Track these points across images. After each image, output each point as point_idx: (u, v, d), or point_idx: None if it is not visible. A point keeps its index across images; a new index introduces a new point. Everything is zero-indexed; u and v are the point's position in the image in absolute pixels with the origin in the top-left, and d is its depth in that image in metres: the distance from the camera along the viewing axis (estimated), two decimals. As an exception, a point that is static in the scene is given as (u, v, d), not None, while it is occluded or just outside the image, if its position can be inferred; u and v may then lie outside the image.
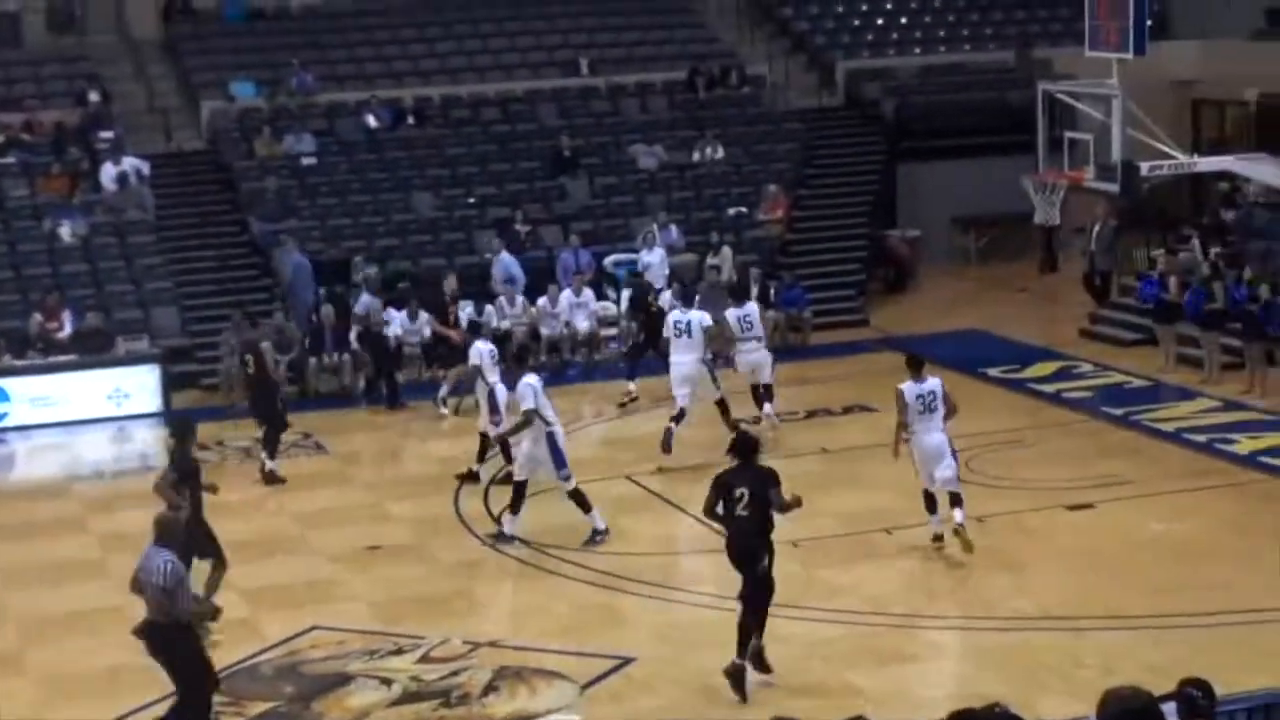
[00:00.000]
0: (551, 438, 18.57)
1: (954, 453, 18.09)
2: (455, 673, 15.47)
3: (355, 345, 26.46)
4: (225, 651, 15.67)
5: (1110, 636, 15.69)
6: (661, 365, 23.15)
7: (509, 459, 20.38)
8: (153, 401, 25.82)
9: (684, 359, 22.21)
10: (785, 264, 30.20)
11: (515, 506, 18.80)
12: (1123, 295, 29.34)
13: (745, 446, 15.19)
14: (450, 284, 27.34)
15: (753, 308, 23.67)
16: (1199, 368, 25.41)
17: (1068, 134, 22.36)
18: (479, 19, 36.76)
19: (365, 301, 26.51)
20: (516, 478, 18.90)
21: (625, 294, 28.39)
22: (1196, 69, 36.10)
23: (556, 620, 16.72)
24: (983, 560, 17.88)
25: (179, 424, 17.91)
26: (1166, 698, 9.04)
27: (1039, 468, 21.07)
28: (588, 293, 28.10)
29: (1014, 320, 29.91)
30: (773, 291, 28.51)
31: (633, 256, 29.24)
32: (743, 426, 19.43)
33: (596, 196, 31.70)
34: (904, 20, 38.75)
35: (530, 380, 18.68)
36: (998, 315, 30.41)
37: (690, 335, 22.10)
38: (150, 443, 24.37)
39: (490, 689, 15.09)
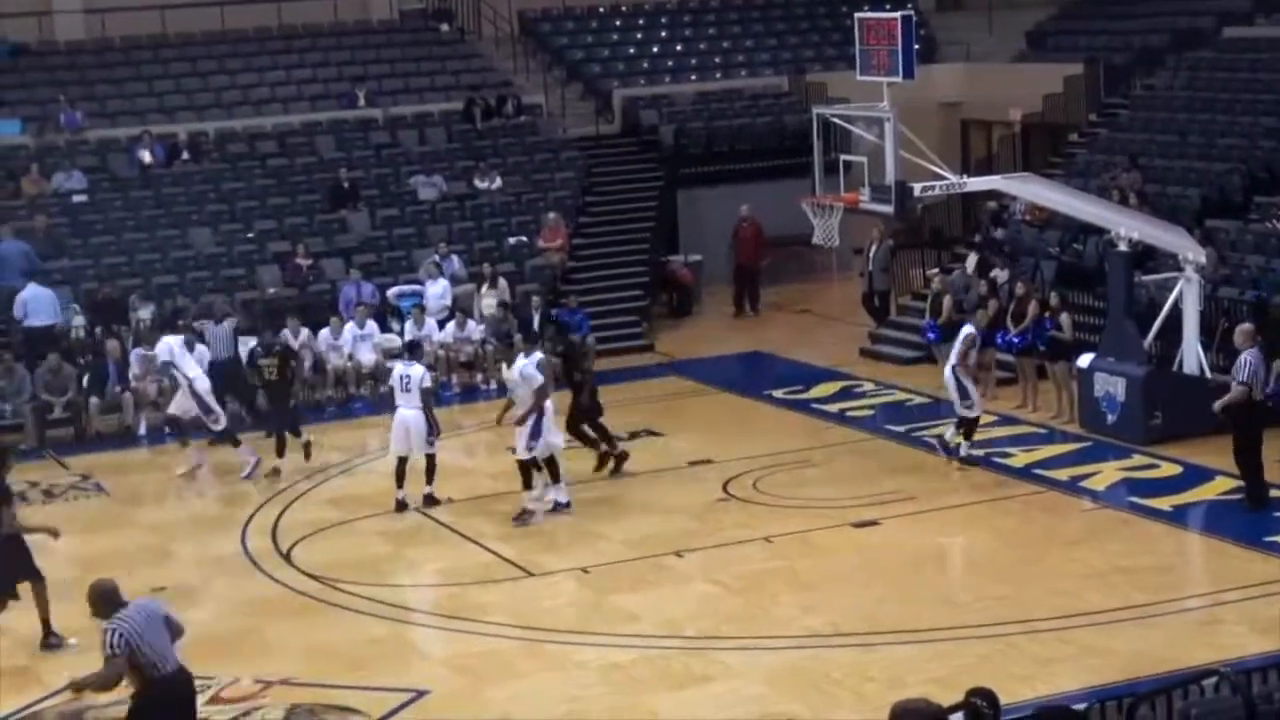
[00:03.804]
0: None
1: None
2: (247, 713, 15.24)
3: (135, 384, 25.99)
4: (6, 698, 15.26)
5: (898, 650, 15.92)
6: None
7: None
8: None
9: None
10: (567, 291, 30.25)
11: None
12: (901, 314, 29.85)
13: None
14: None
15: None
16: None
17: (843, 156, 22.66)
18: (251, 52, 36.39)
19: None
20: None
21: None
22: (963, 91, 37.05)
23: (349, 655, 16.53)
24: (773, 579, 18.06)
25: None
26: (955, 708, 9.27)
27: (825, 486, 21.32)
28: (371, 325, 27.82)
29: (797, 342, 30.28)
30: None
31: (416, 288, 29.12)
32: None
33: (377, 228, 31.50)
34: (679, 47, 39.13)
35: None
36: (780, 337, 30.77)
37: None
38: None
39: (283, 727, 14.88)
